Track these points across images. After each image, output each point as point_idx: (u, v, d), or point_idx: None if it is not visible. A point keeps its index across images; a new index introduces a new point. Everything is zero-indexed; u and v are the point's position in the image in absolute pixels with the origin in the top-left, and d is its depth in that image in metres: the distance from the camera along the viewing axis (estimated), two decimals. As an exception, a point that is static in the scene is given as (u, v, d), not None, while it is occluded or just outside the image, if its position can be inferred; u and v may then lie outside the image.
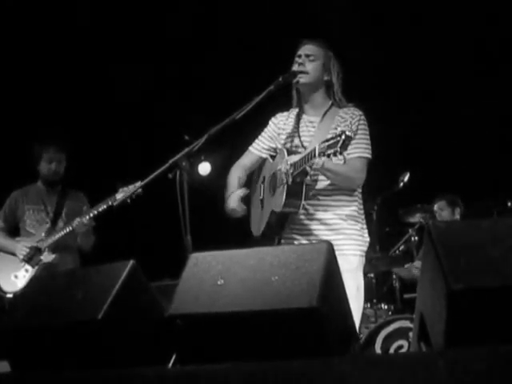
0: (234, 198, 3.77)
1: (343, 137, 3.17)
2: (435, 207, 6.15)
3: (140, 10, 6.78)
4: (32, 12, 6.57)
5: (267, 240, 3.73)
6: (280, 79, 3.66)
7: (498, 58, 6.53)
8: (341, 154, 3.18)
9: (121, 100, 7.26)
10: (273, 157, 3.87)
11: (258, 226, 3.81)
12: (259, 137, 3.95)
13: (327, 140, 3.23)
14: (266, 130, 3.94)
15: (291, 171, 3.46)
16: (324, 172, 3.53)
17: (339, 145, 3.16)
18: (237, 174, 3.91)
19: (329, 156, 3.22)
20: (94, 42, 6.87)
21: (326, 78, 3.74)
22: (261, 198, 3.84)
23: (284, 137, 3.79)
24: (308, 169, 3.44)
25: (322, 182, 3.64)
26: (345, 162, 3.31)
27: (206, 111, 6.16)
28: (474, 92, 6.74)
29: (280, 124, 3.86)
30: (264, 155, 3.89)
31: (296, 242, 3.65)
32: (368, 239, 3.75)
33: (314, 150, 3.29)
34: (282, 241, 3.74)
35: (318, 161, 3.37)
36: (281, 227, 3.71)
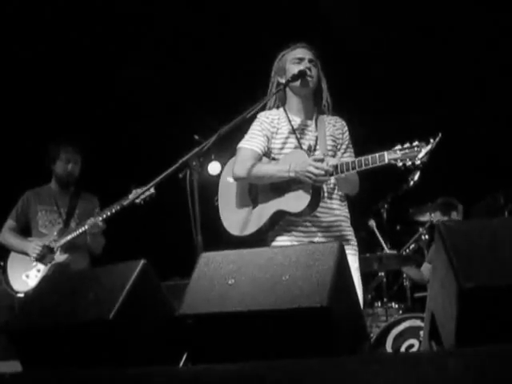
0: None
1: (428, 148, 3.19)
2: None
3: (147, 9, 6.79)
4: (50, 17, 6.60)
5: (256, 240, 3.69)
6: (290, 78, 3.66)
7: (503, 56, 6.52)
8: (419, 165, 3.19)
9: (132, 101, 7.28)
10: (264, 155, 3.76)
11: (243, 225, 3.70)
12: (254, 135, 3.75)
13: (400, 149, 3.24)
14: (259, 128, 3.75)
15: (331, 172, 3.41)
16: (344, 180, 3.57)
17: (421, 155, 3.18)
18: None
19: (404, 165, 3.21)
20: (103, 43, 6.89)
21: (317, 85, 3.77)
22: (252, 196, 3.75)
23: (279, 137, 3.74)
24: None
25: (328, 186, 3.67)
26: None
27: (217, 110, 6.17)
28: (484, 88, 6.72)
29: (274, 123, 3.75)
30: (261, 153, 3.74)
31: (297, 243, 3.61)
32: None
33: (382, 155, 3.27)
34: (281, 242, 3.64)
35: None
36: (272, 228, 3.66)
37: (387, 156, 3.26)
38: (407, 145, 3.25)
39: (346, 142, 3.76)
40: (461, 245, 2.26)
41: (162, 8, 6.78)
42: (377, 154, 3.31)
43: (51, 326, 2.66)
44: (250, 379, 2.14)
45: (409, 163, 3.21)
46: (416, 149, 3.21)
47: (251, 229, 3.67)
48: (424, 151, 3.19)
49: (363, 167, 3.34)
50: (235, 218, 3.76)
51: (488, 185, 6.20)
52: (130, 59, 7.12)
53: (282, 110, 3.79)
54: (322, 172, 3.42)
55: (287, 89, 3.76)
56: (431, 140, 3.22)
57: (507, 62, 6.48)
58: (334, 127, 3.74)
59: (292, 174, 3.51)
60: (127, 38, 6.93)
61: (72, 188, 5.30)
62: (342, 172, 3.41)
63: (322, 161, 3.45)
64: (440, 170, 6.58)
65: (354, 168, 3.37)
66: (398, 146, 3.27)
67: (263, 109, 3.78)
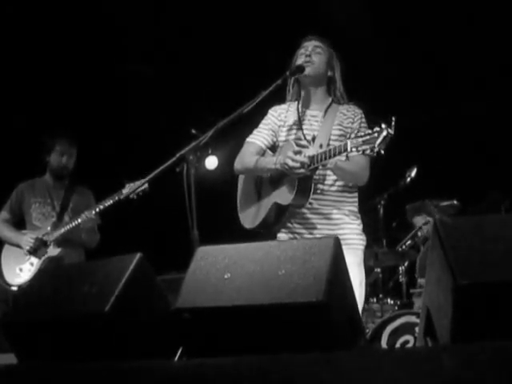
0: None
1: (384, 133, 3.10)
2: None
3: (142, 6, 6.79)
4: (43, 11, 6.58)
5: (264, 232, 3.72)
6: (287, 73, 3.66)
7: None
8: (378, 151, 3.12)
9: (127, 93, 7.27)
10: (269, 149, 3.82)
11: (252, 218, 3.75)
12: (260, 129, 3.85)
13: (361, 135, 3.18)
14: (266, 122, 3.85)
15: (308, 163, 3.41)
16: (335, 170, 3.54)
17: (378, 141, 3.10)
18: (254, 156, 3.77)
19: (363, 152, 3.15)
20: (98, 37, 6.87)
21: (329, 73, 3.76)
22: (257, 189, 3.79)
23: (285, 129, 3.76)
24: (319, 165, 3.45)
25: (328, 178, 3.65)
26: (347, 158, 3.33)
27: (214, 105, 6.16)
28: (483, 86, 6.73)
29: (281, 116, 3.80)
30: (265, 147, 3.82)
31: (298, 237, 3.62)
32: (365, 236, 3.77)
33: (345, 144, 3.23)
34: (281, 234, 3.70)
35: (332, 159, 3.37)
36: (278, 220, 3.68)
37: (349, 144, 3.22)
38: (368, 131, 3.20)
39: (356, 131, 3.64)
40: (457, 241, 2.26)
41: (159, 2, 6.78)
42: (342, 143, 3.30)
43: (46, 318, 2.66)
44: (245, 373, 2.14)
45: (368, 151, 3.15)
46: (376, 135, 3.13)
47: (257, 222, 3.72)
48: (381, 137, 3.11)
49: (332, 156, 3.33)
50: (246, 212, 3.82)
51: (484, 182, 6.22)
52: (126, 52, 7.10)
53: (295, 102, 3.81)
54: (297, 164, 3.42)
55: (300, 82, 3.78)
56: (383, 125, 3.14)
57: (506, 61, 6.49)
58: (344, 116, 3.71)
59: (278, 166, 3.54)
60: (125, 31, 6.91)
61: (66, 181, 5.29)
62: (317, 162, 3.40)
63: (299, 153, 3.46)
64: (436, 167, 6.62)
65: (325, 158, 3.36)
66: (361, 133, 3.24)
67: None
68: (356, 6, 6.48)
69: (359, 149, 3.17)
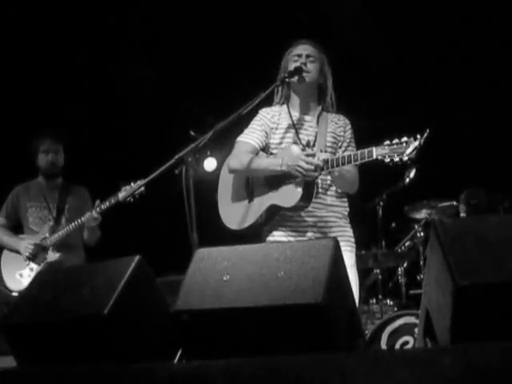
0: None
1: (416, 143, 3.19)
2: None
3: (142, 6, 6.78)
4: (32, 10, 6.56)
5: (251, 233, 3.70)
6: (286, 75, 3.66)
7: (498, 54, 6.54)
8: (406, 161, 3.18)
9: (125, 95, 7.27)
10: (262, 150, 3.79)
11: (240, 219, 3.71)
12: (252, 129, 3.79)
13: (388, 144, 3.24)
14: (258, 123, 3.79)
15: (321, 167, 3.42)
16: (338, 177, 3.56)
17: (408, 151, 3.18)
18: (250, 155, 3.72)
19: (391, 161, 3.21)
20: (96, 36, 6.86)
21: (321, 81, 3.77)
22: (248, 190, 3.76)
23: (279, 132, 3.75)
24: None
25: (324, 183, 3.68)
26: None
27: (212, 107, 6.16)
28: (483, 85, 6.75)
29: (274, 119, 3.77)
30: (258, 148, 3.78)
31: (292, 239, 3.62)
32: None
33: (370, 151, 3.27)
34: (274, 237, 3.68)
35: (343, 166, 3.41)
36: (267, 222, 3.68)
37: (375, 151, 3.26)
38: (396, 140, 3.25)
39: (348, 140, 3.76)
40: (456, 242, 2.27)
41: (159, 4, 6.77)
42: (365, 150, 3.33)
43: (46, 321, 2.65)
44: (244, 375, 2.14)
45: (396, 159, 3.21)
46: (404, 145, 3.21)
47: (247, 223, 3.69)
48: (412, 147, 3.19)
49: (352, 162, 3.36)
50: (232, 212, 3.78)
51: (484, 182, 6.22)
52: (125, 54, 7.09)
53: (285, 106, 3.80)
54: (312, 167, 3.43)
55: (290, 86, 3.77)
56: (418, 136, 3.22)
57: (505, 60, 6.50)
58: (336, 125, 3.75)
59: (284, 168, 3.54)
60: (123, 32, 6.91)
61: (60, 181, 5.24)
62: (332, 167, 3.42)
63: (313, 156, 3.47)
64: (435, 168, 6.61)
65: (343, 163, 3.38)
66: (387, 142, 3.27)
67: (269, 104, 3.81)
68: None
69: (387, 156, 3.23)
